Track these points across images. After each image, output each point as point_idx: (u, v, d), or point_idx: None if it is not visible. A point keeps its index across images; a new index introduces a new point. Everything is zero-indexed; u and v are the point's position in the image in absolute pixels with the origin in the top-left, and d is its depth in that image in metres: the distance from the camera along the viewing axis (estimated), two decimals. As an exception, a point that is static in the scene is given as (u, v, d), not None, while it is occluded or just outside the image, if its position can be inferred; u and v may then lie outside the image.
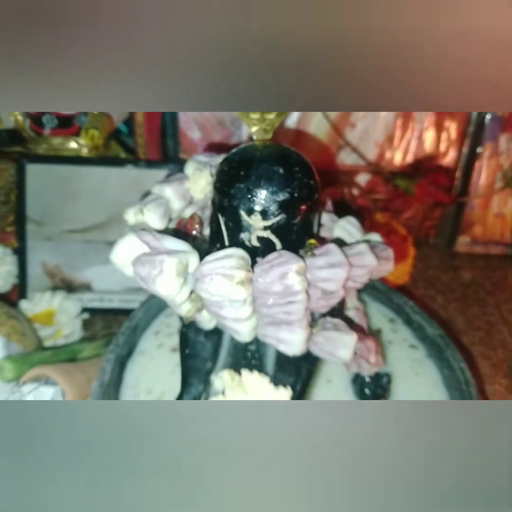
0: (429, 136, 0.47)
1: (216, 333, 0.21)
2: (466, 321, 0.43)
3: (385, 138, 0.47)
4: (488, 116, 0.46)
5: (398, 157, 0.48)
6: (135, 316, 0.29)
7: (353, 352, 0.20)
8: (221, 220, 0.20)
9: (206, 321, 0.20)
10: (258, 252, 0.19)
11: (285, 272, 0.17)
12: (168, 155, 0.45)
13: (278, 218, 0.19)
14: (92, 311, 0.40)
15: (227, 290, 0.16)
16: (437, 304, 0.45)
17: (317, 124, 0.46)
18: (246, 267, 0.17)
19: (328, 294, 0.19)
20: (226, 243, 0.20)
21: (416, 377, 0.29)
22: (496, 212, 0.50)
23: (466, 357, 0.39)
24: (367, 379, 0.26)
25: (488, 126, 0.47)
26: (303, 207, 0.20)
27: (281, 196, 0.19)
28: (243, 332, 0.19)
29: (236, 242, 0.20)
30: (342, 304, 0.25)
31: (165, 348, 0.29)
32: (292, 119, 0.46)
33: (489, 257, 0.52)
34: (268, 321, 0.19)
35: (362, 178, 0.49)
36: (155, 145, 0.43)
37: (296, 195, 0.19)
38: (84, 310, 0.40)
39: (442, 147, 0.48)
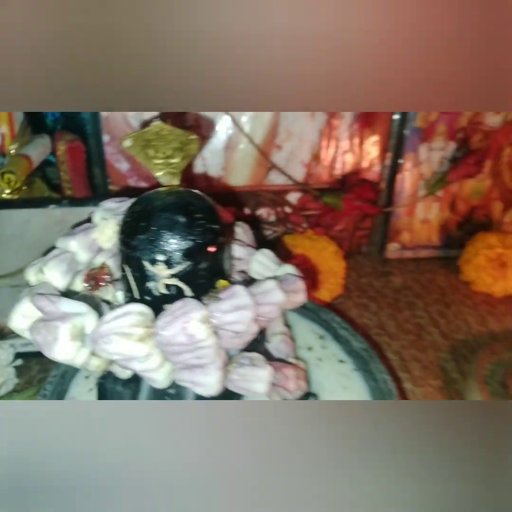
0: (354, 153, 0.50)
1: (134, 381, 0.21)
2: (397, 326, 0.45)
3: (311, 158, 0.49)
4: (407, 130, 0.49)
5: (325, 175, 0.50)
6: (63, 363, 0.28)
7: (270, 384, 0.21)
8: (128, 270, 0.20)
9: (120, 372, 0.20)
10: (168, 299, 0.20)
11: (187, 322, 0.18)
12: (97, 189, 0.45)
13: (183, 265, 0.20)
14: (27, 356, 0.39)
15: (126, 349, 0.17)
16: (370, 311, 0.47)
17: (244, 149, 0.47)
18: (145, 323, 0.18)
19: (240, 333, 0.20)
20: (135, 292, 0.20)
21: (344, 391, 0.31)
22: (421, 219, 0.54)
23: (398, 361, 0.42)
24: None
25: (408, 138, 0.50)
26: (209, 251, 0.20)
27: (184, 245, 0.19)
28: (158, 379, 0.20)
29: (144, 291, 0.20)
30: (262, 333, 0.26)
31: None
32: (219, 145, 0.47)
33: (418, 260, 0.55)
34: (181, 366, 0.20)
35: (294, 197, 0.51)
36: (81, 180, 0.43)
37: (199, 241, 0.20)
38: (18, 355, 0.38)
39: (367, 162, 0.51)
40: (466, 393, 0.38)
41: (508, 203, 0.54)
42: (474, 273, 0.50)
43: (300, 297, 0.24)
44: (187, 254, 0.19)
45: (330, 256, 0.45)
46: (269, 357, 0.26)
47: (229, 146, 0.47)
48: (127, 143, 0.21)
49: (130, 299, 0.21)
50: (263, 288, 0.21)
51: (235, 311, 0.19)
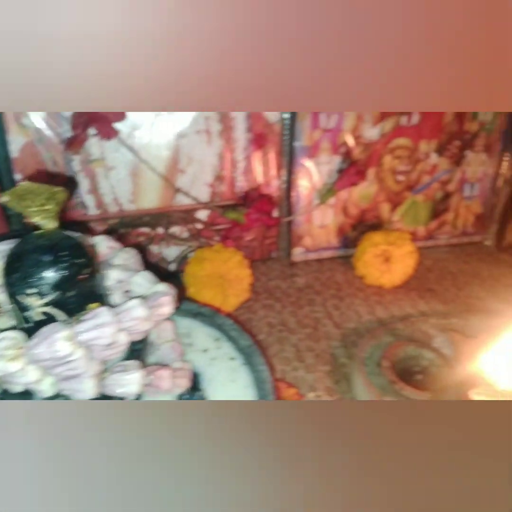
0: (252, 172, 0.56)
1: (27, 393, 0.25)
2: (297, 321, 0.51)
3: (214, 179, 0.55)
4: (296, 148, 0.56)
5: (228, 193, 0.56)
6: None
7: (142, 386, 0.27)
8: (11, 303, 0.25)
9: (12, 387, 0.24)
10: (45, 323, 0.25)
11: (53, 341, 0.22)
12: (12, 224, 0.48)
13: (52, 296, 0.24)
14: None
15: (2, 367, 0.21)
16: (275, 310, 0.53)
17: (150, 175, 0.52)
18: (18, 345, 0.22)
19: (109, 345, 0.25)
20: (19, 321, 0.25)
21: (232, 383, 0.36)
22: (319, 224, 0.61)
23: (295, 352, 0.47)
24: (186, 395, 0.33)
25: (298, 154, 0.56)
26: (75, 282, 0.25)
27: (51, 278, 0.24)
28: (42, 390, 0.24)
29: (25, 319, 0.25)
30: (144, 343, 0.31)
31: None
32: (124, 173, 0.51)
33: (321, 261, 0.62)
34: (60, 378, 0.24)
35: (204, 214, 0.56)
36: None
37: (65, 274, 0.25)
38: None
39: (264, 179, 0.57)
40: (351, 375, 0.45)
41: (394, 204, 0.62)
42: (364, 269, 0.57)
43: (166, 310, 0.29)
44: (55, 285, 0.24)
45: (235, 265, 0.51)
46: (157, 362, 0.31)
47: (134, 173, 0.51)
48: (4, 199, 0.26)
49: (18, 326, 0.26)
50: (126, 306, 0.26)
51: (96, 328, 0.24)
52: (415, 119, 0.57)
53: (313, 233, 0.61)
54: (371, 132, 0.57)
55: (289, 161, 0.56)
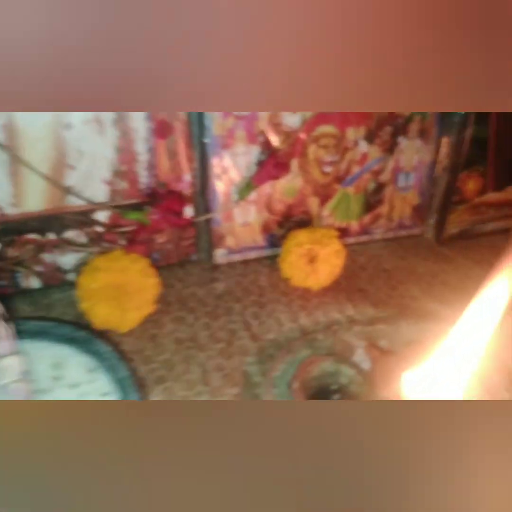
0: (159, 166, 0.49)
1: None
2: (210, 335, 0.46)
3: (112, 175, 0.48)
4: (207, 139, 0.49)
5: (131, 191, 0.49)
6: None
7: None
8: None
9: None
10: None
11: None
12: None
13: None
14: None
15: None
16: (186, 324, 0.47)
17: (31, 179, 0.44)
18: None
19: None
20: None
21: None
22: (241, 222, 0.55)
23: (200, 374, 0.41)
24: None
25: (210, 146, 0.50)
26: None
27: None
28: None
29: None
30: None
31: None
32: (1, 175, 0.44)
33: (247, 262, 0.57)
34: None
35: (103, 215, 0.49)
36: None
37: None
38: None
39: (173, 174, 0.50)
40: (260, 398, 0.39)
41: (323, 197, 0.57)
42: (289, 270, 0.52)
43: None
44: None
45: (135, 275, 0.44)
46: None
47: (13, 173, 0.44)
48: None
49: None
50: None
51: None
52: (341, 103, 0.52)
53: (236, 232, 0.55)
54: (292, 119, 0.51)
55: (200, 153, 0.50)
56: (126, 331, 0.45)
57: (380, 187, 0.58)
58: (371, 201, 0.59)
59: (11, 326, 0.28)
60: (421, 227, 0.63)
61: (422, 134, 0.57)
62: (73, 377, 0.33)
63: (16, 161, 0.43)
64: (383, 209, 0.60)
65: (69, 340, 0.35)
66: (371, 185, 0.58)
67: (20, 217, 0.46)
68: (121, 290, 0.44)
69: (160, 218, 0.46)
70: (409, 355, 0.33)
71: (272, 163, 0.49)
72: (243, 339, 0.46)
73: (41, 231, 0.47)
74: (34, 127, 0.43)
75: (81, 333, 0.36)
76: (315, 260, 0.51)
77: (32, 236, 0.47)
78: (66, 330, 0.36)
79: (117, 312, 0.44)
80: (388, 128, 0.55)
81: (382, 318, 0.47)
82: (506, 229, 0.64)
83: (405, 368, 0.33)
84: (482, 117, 0.55)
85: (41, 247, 0.48)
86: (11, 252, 0.47)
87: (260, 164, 0.51)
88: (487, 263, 0.59)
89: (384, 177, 0.58)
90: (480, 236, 0.63)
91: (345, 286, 0.53)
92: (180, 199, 0.48)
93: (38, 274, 0.49)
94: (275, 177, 0.50)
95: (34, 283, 0.49)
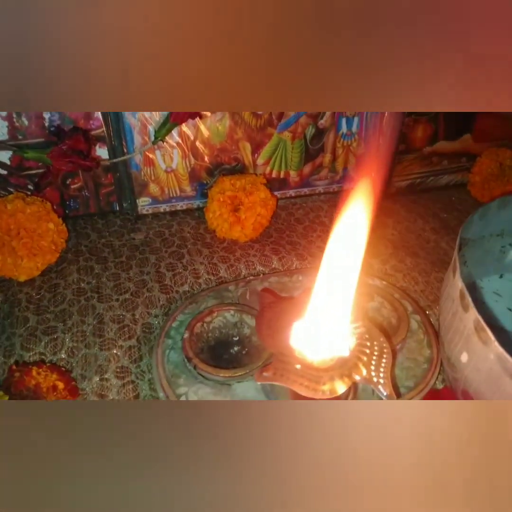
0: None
1: None
2: (115, 286, 0.42)
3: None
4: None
5: (34, 128, 0.44)
6: None
7: None
8: None
9: None
10: None
11: None
12: None
13: None
14: None
15: None
16: (92, 274, 0.43)
17: None
18: None
19: None
20: None
21: None
22: (164, 169, 0.50)
23: (95, 325, 0.38)
24: None
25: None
26: None
27: None
28: None
29: None
30: None
31: None
32: None
33: (175, 213, 0.53)
34: None
35: (6, 156, 0.45)
36: None
37: None
38: None
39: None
40: (155, 348, 0.36)
41: (256, 143, 0.52)
42: (213, 220, 0.48)
43: None
44: None
45: (28, 219, 0.40)
46: None
47: None
48: None
49: None
50: None
51: None
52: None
53: (160, 179, 0.51)
54: (218, 52, 0.46)
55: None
56: (25, 280, 0.42)
57: (320, 133, 0.53)
58: (311, 150, 0.54)
59: None
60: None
61: (367, 74, 0.52)
62: None
63: None
64: (325, 158, 0.55)
65: None
66: (310, 131, 0.53)
67: None
68: (12, 235, 0.40)
69: (60, 158, 0.42)
70: (303, 302, 0.29)
71: (190, 100, 0.44)
72: (153, 291, 0.42)
73: None
74: None
75: None
76: (239, 210, 0.47)
77: None
78: None
79: (10, 259, 0.40)
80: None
81: (303, 269, 0.43)
82: (462, 183, 0.60)
83: (297, 316, 0.30)
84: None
85: None
86: None
87: (180, 102, 0.46)
88: (433, 217, 0.55)
89: (325, 122, 0.53)
90: (434, 190, 0.59)
91: (276, 238, 0.50)
92: (86, 137, 0.44)
93: None
94: (193, 115, 0.46)
95: None
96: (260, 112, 0.50)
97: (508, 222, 0.39)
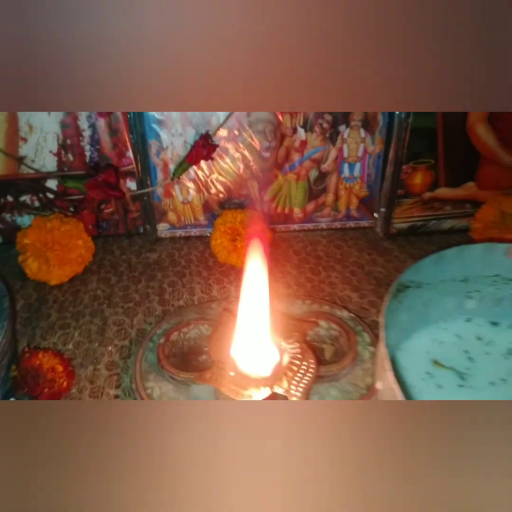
0: (102, 141, 0.55)
1: None
2: (124, 296, 0.50)
3: (59, 147, 0.54)
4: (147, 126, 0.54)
5: (77, 162, 0.55)
6: None
7: None
8: None
9: None
10: None
11: None
12: None
13: None
14: None
15: None
16: (109, 284, 0.52)
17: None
18: None
19: None
20: None
21: None
22: (181, 200, 0.59)
23: (100, 326, 0.46)
24: None
25: (149, 124, 0.54)
26: None
27: None
28: None
29: None
30: None
31: None
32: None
33: (188, 238, 0.61)
34: None
35: (53, 183, 0.56)
36: None
37: None
38: None
39: (116, 148, 0.55)
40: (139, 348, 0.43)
41: (263, 183, 0.59)
42: (215, 247, 0.55)
43: None
44: None
45: (62, 236, 0.50)
46: None
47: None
48: None
49: None
50: None
51: None
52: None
53: (178, 209, 0.59)
54: (231, 104, 0.54)
55: (140, 133, 0.55)
56: (55, 284, 0.51)
57: (323, 176, 0.59)
58: (314, 190, 0.60)
59: None
60: (371, 219, 0.62)
61: (367, 124, 0.57)
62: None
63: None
64: (328, 198, 0.60)
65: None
66: (314, 174, 0.59)
67: (-19, 180, 0.54)
68: (48, 247, 0.50)
69: (93, 188, 0.52)
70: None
71: (201, 143, 0.53)
72: (153, 303, 0.50)
73: (0, 194, 0.55)
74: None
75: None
76: (237, 239, 0.53)
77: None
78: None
79: (44, 266, 0.50)
80: (328, 116, 0.56)
81: (283, 295, 0.49)
82: (466, 228, 0.62)
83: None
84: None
85: (1, 207, 0.56)
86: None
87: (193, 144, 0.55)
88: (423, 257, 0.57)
89: (327, 166, 0.58)
90: (436, 233, 0.62)
91: (270, 267, 0.55)
92: (116, 172, 0.53)
93: (0, 231, 0.57)
94: (206, 157, 0.54)
95: (-5, 238, 0.57)
96: (266, 155, 0.57)
97: (471, 270, 0.42)
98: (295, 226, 0.62)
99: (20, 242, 0.50)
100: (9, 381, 0.37)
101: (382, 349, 0.30)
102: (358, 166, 0.59)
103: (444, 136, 0.56)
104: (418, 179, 0.58)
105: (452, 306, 0.44)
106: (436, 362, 0.37)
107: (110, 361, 0.42)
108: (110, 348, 0.44)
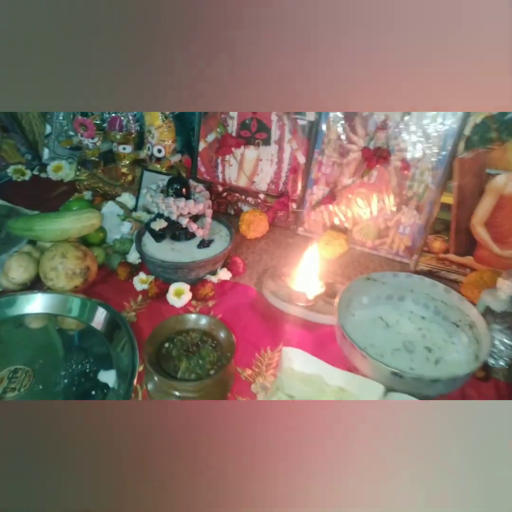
0: (282, 174, 1.17)
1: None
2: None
3: (271, 181, 1.19)
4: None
5: (273, 189, 1.19)
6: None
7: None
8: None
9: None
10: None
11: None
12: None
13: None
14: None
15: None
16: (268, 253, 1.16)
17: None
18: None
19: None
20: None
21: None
22: (313, 218, 1.17)
23: None
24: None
25: (317, 161, 1.14)
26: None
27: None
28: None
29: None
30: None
31: None
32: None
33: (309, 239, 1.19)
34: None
35: (262, 195, 1.22)
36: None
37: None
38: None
39: (294, 183, 1.17)
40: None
41: (355, 223, 1.12)
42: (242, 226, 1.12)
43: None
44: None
45: (253, 218, 1.15)
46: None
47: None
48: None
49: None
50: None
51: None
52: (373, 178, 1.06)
53: (310, 222, 1.18)
54: (348, 181, 1.10)
55: (305, 171, 1.15)
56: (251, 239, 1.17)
57: (387, 229, 1.09)
58: (381, 234, 1.10)
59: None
60: (410, 260, 1.09)
61: (418, 208, 1.04)
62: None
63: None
64: (387, 240, 1.10)
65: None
66: (382, 225, 1.09)
67: (236, 186, 1.23)
68: (248, 222, 1.16)
69: (275, 206, 1.15)
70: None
71: (329, 196, 1.10)
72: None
73: (242, 196, 1.24)
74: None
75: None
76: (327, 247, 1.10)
77: (237, 195, 1.24)
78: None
79: (244, 228, 1.17)
80: (397, 199, 1.05)
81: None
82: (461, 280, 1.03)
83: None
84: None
85: (237, 201, 1.25)
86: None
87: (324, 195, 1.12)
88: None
89: (390, 223, 1.08)
90: (444, 279, 1.04)
91: (324, 269, 1.09)
92: (287, 198, 1.15)
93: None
94: (326, 204, 1.11)
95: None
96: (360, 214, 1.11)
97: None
98: (366, 249, 1.13)
99: (242, 219, 1.18)
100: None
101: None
102: (408, 228, 1.07)
103: (456, 226, 0.99)
104: (437, 245, 1.02)
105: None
106: None
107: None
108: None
